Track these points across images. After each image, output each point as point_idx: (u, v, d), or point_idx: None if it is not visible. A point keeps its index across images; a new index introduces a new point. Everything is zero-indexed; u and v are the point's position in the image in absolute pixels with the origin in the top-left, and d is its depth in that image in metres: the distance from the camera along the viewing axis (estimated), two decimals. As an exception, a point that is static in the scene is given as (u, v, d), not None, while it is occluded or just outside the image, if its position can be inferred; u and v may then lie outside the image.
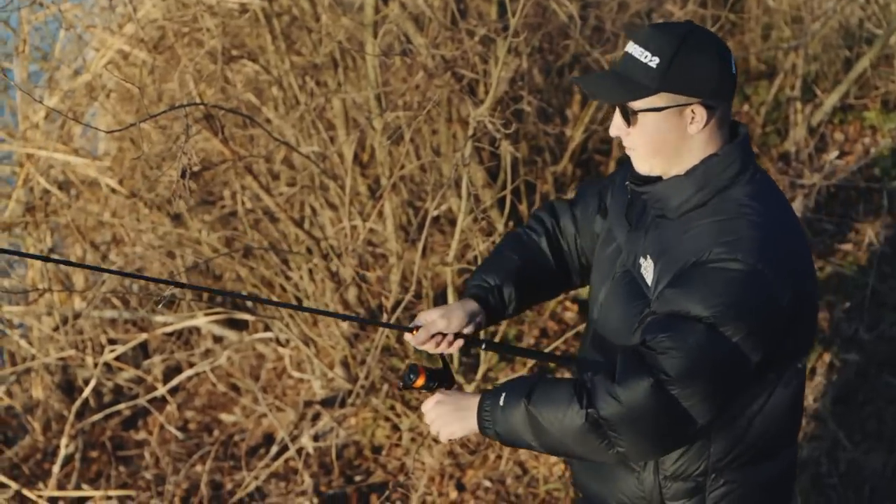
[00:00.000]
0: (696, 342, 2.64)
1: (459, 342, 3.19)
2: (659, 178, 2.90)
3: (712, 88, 2.77)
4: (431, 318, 3.15)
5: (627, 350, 2.74)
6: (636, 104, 2.76)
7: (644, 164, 2.86)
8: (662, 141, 2.79)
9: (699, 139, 2.80)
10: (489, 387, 5.48)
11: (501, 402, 2.84)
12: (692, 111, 2.76)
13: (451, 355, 3.27)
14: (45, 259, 4.83)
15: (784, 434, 3.00)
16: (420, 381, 3.11)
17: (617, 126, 2.84)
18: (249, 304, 6.53)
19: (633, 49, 2.76)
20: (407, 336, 3.20)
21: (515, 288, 3.26)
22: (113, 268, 6.48)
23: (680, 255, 2.74)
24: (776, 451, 2.98)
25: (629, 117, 2.78)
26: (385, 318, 5.30)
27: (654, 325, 2.72)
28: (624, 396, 2.67)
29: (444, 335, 3.16)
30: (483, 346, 3.33)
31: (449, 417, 2.98)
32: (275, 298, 6.08)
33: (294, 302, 5.98)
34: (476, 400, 2.93)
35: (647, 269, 2.85)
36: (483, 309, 3.23)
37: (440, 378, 3.15)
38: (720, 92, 2.79)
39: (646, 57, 2.73)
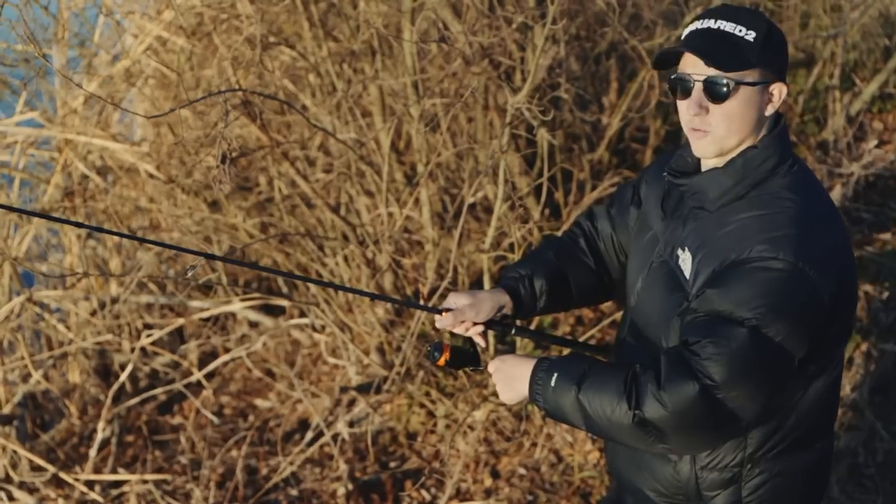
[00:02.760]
0: (739, 346, 2.62)
1: (479, 327, 3.20)
2: (696, 171, 2.88)
3: (785, 71, 2.79)
4: (461, 305, 3.16)
5: (671, 352, 2.73)
6: (733, 76, 2.70)
7: (716, 147, 2.79)
8: (746, 118, 2.74)
9: (765, 121, 2.79)
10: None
11: (553, 383, 2.84)
12: (773, 90, 2.75)
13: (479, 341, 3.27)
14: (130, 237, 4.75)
15: (821, 424, 2.99)
16: (443, 360, 3.15)
17: (699, 103, 2.74)
18: (285, 290, 6.55)
19: (721, 24, 2.71)
20: (436, 318, 3.20)
21: (547, 280, 3.27)
22: (150, 253, 6.51)
23: (719, 250, 2.72)
24: (813, 441, 2.97)
25: (723, 92, 2.71)
26: (421, 304, 5.31)
27: (696, 326, 2.70)
28: (670, 401, 2.66)
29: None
30: (513, 332, 3.32)
31: (504, 384, 3.01)
32: (310, 285, 6.10)
33: (331, 289, 5.99)
34: (530, 368, 2.92)
35: (686, 261, 2.83)
36: (512, 300, 3.24)
37: (465, 358, 3.19)
38: (786, 76, 2.81)
39: (741, 31, 2.69)
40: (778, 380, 2.72)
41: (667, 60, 2.82)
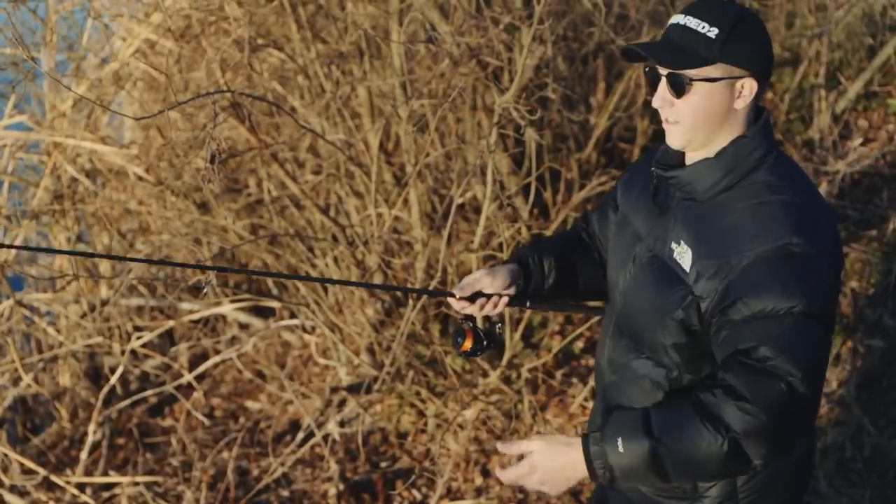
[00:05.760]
0: (798, 335, 2.65)
1: (504, 300, 3.23)
2: (681, 164, 2.92)
3: (762, 66, 2.80)
4: (476, 276, 3.21)
5: (735, 364, 2.68)
6: (692, 73, 2.75)
7: (683, 138, 2.85)
8: (711, 113, 2.78)
9: (739, 116, 2.82)
10: (513, 374, 5.52)
11: (620, 448, 2.70)
12: (742, 85, 2.78)
13: (500, 319, 3.30)
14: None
15: None
16: (467, 344, 3.17)
17: (662, 97, 2.82)
18: (276, 291, 6.57)
19: (688, 20, 2.76)
20: (451, 301, 3.23)
21: (556, 258, 3.32)
22: (139, 255, 6.52)
23: (724, 244, 2.75)
24: None
25: (683, 87, 2.76)
26: (410, 305, 5.33)
27: (743, 334, 2.69)
28: (765, 408, 2.63)
29: (488, 297, 3.21)
30: (528, 304, 3.35)
31: (554, 477, 2.82)
32: (300, 286, 6.11)
33: (321, 290, 6.00)
34: (578, 451, 2.77)
35: (682, 254, 2.84)
36: (523, 272, 3.28)
37: (487, 339, 3.22)
38: (765, 72, 2.83)
39: (703, 27, 2.73)
40: (827, 357, 2.80)
41: (637, 55, 2.85)
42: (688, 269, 2.82)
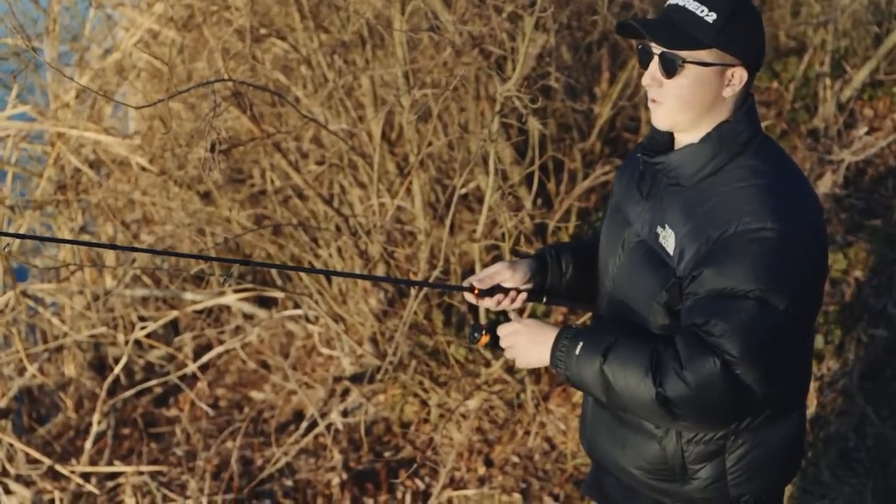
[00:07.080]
0: (749, 319, 2.69)
1: (522, 296, 3.25)
2: (669, 149, 2.95)
3: (754, 57, 2.83)
4: (495, 269, 3.22)
5: (686, 332, 2.78)
6: (685, 55, 2.77)
7: (668, 120, 2.87)
8: (698, 97, 2.80)
9: (727, 103, 2.84)
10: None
11: (577, 352, 2.88)
12: (732, 73, 2.80)
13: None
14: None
15: (797, 394, 3.07)
16: (485, 339, 3.17)
17: (652, 76, 2.84)
18: (279, 281, 6.57)
19: (687, 3, 2.78)
20: (468, 296, 3.24)
21: (573, 256, 3.33)
22: (143, 245, 6.52)
23: (704, 226, 2.78)
24: (790, 410, 3.04)
25: (674, 68, 2.78)
26: (413, 295, 5.32)
27: (701, 307, 2.75)
28: (693, 380, 2.71)
29: (506, 293, 3.22)
30: (544, 301, 3.37)
31: (525, 348, 3.03)
32: (304, 276, 6.10)
33: (324, 280, 6.00)
34: (553, 335, 2.96)
35: (667, 238, 2.88)
36: (540, 267, 3.30)
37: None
38: (757, 63, 2.86)
39: (702, 11, 2.75)
40: (788, 347, 2.80)
41: (633, 31, 2.86)
42: (672, 253, 2.86)
